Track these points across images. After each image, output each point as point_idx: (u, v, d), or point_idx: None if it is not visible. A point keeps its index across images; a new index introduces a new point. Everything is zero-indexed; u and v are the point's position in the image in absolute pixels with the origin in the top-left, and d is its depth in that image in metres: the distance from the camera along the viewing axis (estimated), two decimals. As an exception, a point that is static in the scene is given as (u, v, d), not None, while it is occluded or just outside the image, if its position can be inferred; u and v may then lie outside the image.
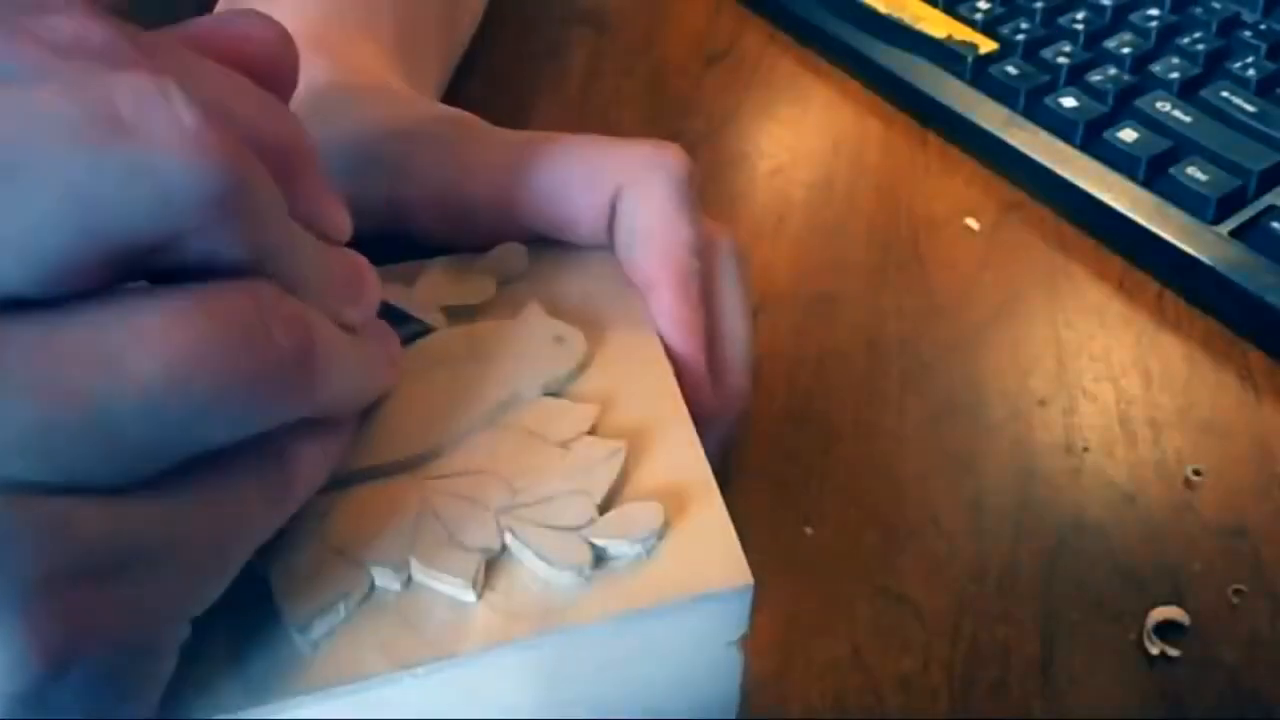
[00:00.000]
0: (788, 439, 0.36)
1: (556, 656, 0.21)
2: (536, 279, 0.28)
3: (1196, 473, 0.35)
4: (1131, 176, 0.43)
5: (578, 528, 0.22)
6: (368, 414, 0.24)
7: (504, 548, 0.22)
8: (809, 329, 0.40)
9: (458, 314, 0.27)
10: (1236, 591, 0.31)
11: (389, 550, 0.21)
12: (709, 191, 0.46)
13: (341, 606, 0.21)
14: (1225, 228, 0.40)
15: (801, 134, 0.49)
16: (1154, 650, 0.30)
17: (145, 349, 0.16)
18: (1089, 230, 0.43)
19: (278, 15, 0.23)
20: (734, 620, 0.22)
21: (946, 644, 0.30)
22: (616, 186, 0.28)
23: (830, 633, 0.31)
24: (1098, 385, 0.38)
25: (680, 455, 0.24)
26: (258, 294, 0.18)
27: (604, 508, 0.22)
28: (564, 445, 0.24)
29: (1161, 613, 0.31)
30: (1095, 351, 0.39)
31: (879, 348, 0.39)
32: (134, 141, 0.16)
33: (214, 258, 0.18)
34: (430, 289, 0.27)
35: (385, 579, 0.21)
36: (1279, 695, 0.29)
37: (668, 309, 0.27)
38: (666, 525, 0.22)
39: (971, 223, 0.44)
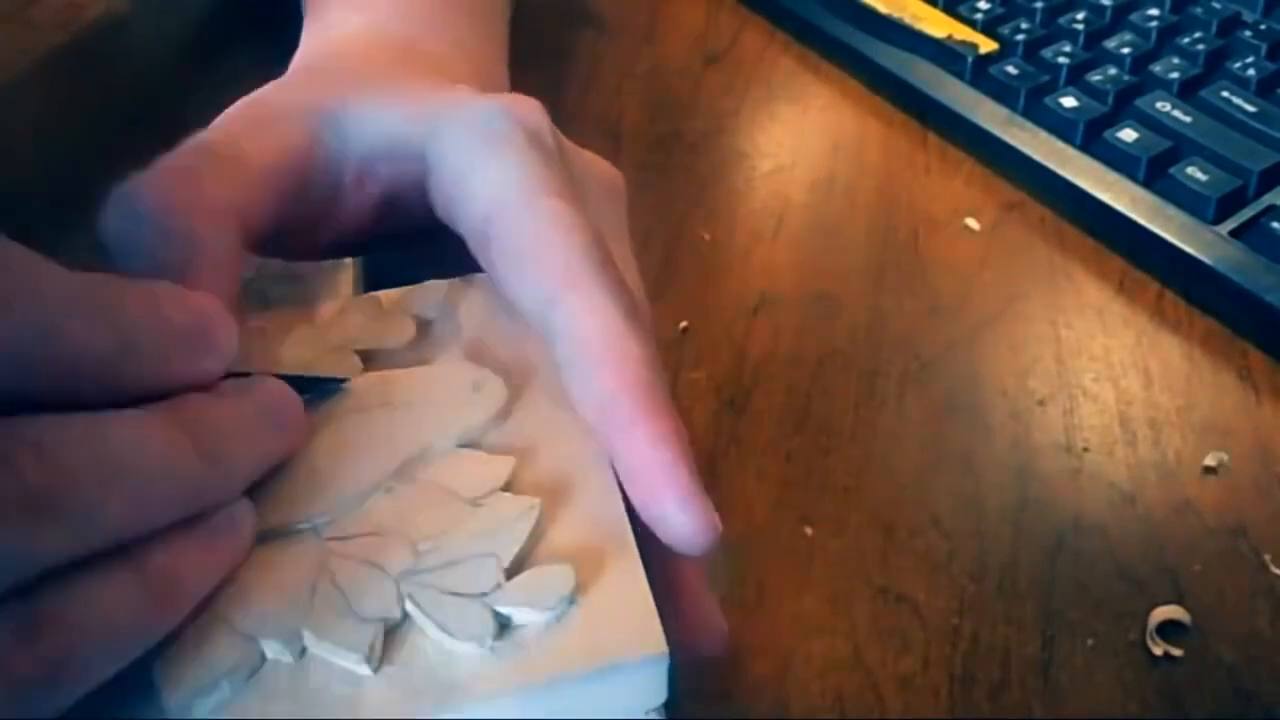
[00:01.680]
0: (788, 439, 0.36)
1: None
2: (457, 318, 0.27)
3: (1210, 469, 0.34)
4: (1131, 176, 0.43)
5: (482, 594, 0.21)
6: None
7: (405, 616, 0.21)
8: (809, 329, 0.40)
9: (374, 359, 0.26)
10: (1237, 591, 0.31)
11: (281, 621, 0.20)
12: (709, 192, 0.46)
13: (226, 684, 0.19)
14: (1225, 228, 0.40)
15: (801, 134, 0.49)
16: (1157, 651, 0.30)
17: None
18: (1089, 230, 0.43)
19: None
20: (650, 690, 0.21)
21: (946, 644, 0.30)
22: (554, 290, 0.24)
23: (830, 633, 0.31)
24: (1098, 385, 0.38)
25: (599, 510, 0.22)
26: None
27: (513, 571, 0.21)
28: (475, 502, 0.22)
29: (1163, 612, 0.31)
30: (1095, 351, 0.39)
31: (879, 348, 0.39)
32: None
33: None
34: (345, 330, 0.26)
35: (276, 652, 0.20)
36: (1279, 695, 0.29)
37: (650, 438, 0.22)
38: (578, 589, 0.21)
39: (971, 223, 0.44)
